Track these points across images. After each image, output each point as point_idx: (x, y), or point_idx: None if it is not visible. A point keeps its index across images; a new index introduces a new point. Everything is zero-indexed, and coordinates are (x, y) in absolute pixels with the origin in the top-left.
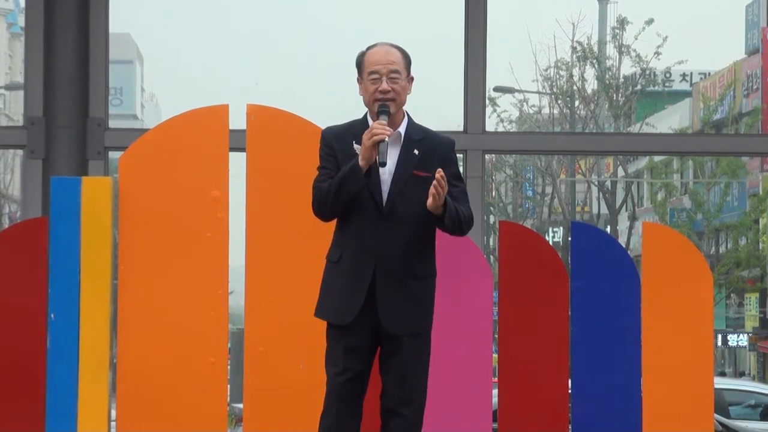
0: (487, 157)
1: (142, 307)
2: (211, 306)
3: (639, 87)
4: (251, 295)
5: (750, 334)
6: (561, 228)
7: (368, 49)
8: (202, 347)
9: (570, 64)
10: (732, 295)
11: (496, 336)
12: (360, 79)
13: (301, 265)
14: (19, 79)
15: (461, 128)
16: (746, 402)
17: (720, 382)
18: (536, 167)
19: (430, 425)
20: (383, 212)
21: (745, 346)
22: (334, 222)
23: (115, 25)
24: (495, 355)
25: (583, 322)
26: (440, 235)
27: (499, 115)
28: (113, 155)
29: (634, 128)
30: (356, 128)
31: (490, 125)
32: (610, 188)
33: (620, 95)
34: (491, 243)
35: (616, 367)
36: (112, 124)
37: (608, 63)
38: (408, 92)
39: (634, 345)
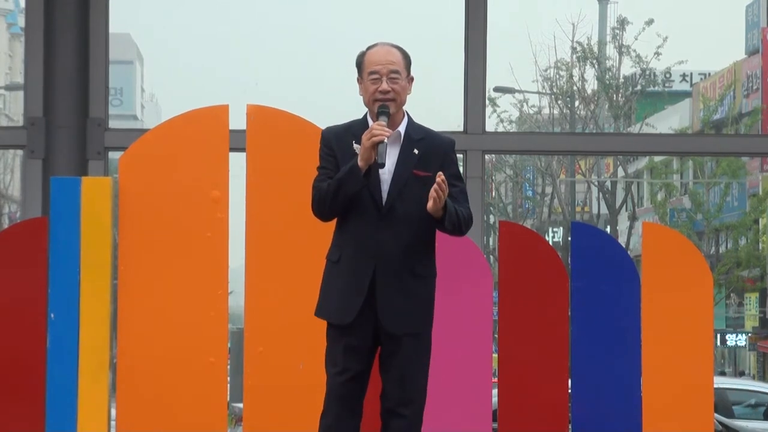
0: (487, 157)
1: (142, 307)
2: (211, 306)
3: (639, 87)
4: (251, 295)
5: (750, 334)
6: (561, 228)
7: (368, 49)
8: (202, 347)
9: (570, 64)
10: (732, 294)
11: (496, 336)
12: (360, 79)
13: (301, 265)
14: (19, 79)
15: (461, 128)
16: (747, 401)
17: (721, 382)
18: (536, 167)
19: (430, 425)
20: (383, 212)
21: (744, 346)
22: (334, 222)
23: (115, 25)
24: (495, 355)
25: (583, 322)
26: (440, 235)
27: (499, 116)
28: (113, 155)
29: (634, 128)
30: (356, 128)
31: (490, 125)
32: (610, 188)
33: (620, 95)
34: (491, 243)
35: (616, 367)
36: (112, 124)
37: (608, 63)
38: (408, 92)
39: (634, 345)
